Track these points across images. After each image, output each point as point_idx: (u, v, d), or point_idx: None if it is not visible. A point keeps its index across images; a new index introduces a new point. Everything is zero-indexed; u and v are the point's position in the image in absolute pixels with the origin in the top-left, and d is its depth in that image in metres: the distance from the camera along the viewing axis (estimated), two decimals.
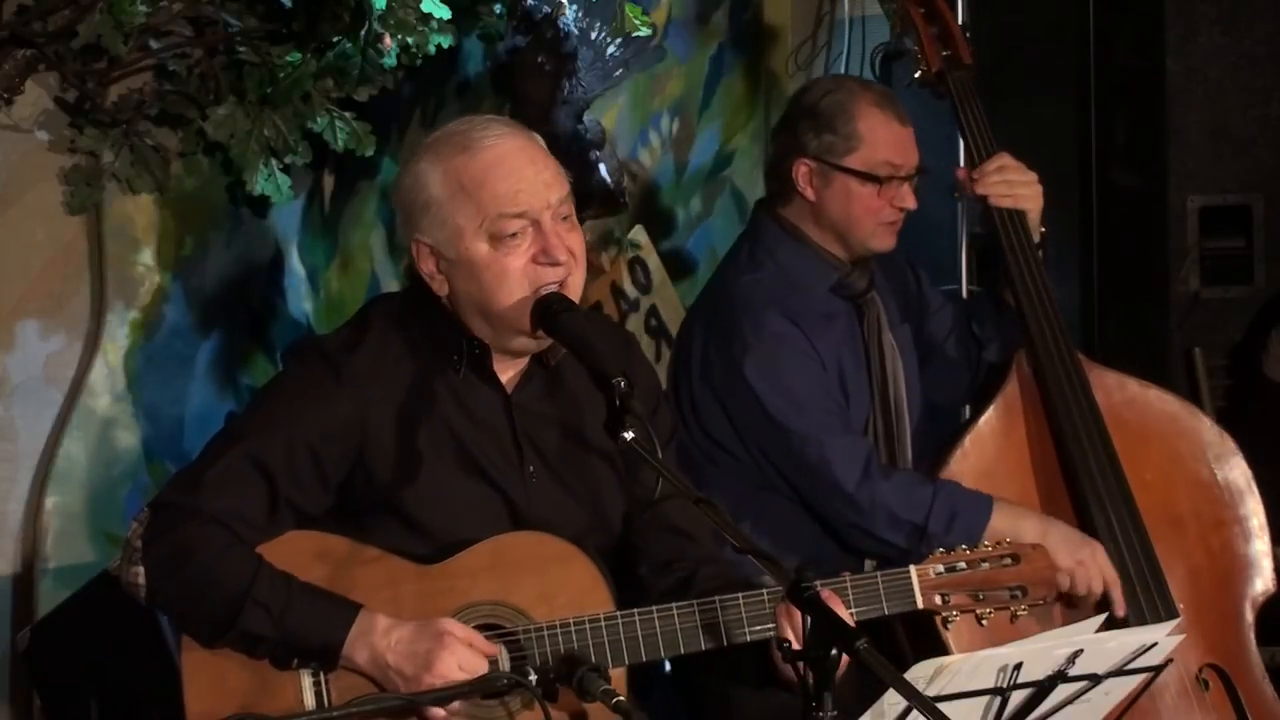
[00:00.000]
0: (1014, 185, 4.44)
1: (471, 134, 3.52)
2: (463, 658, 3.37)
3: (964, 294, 5.56)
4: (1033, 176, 4.47)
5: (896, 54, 5.67)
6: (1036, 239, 4.48)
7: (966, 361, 4.67)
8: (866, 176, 4.39)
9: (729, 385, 4.34)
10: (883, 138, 4.41)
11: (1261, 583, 4.38)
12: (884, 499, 4.24)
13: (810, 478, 4.30)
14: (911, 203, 4.46)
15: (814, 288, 4.43)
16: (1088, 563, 4.13)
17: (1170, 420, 4.42)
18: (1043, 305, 4.38)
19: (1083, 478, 4.26)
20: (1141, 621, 4.13)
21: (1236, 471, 4.41)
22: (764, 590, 3.48)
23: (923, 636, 3.95)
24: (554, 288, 3.48)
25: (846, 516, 4.27)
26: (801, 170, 4.42)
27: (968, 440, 4.32)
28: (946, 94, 4.53)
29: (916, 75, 4.61)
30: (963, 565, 3.61)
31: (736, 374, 4.32)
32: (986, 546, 3.66)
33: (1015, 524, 4.14)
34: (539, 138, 3.59)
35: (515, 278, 3.47)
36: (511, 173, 3.48)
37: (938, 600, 3.60)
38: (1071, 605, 4.15)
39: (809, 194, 4.42)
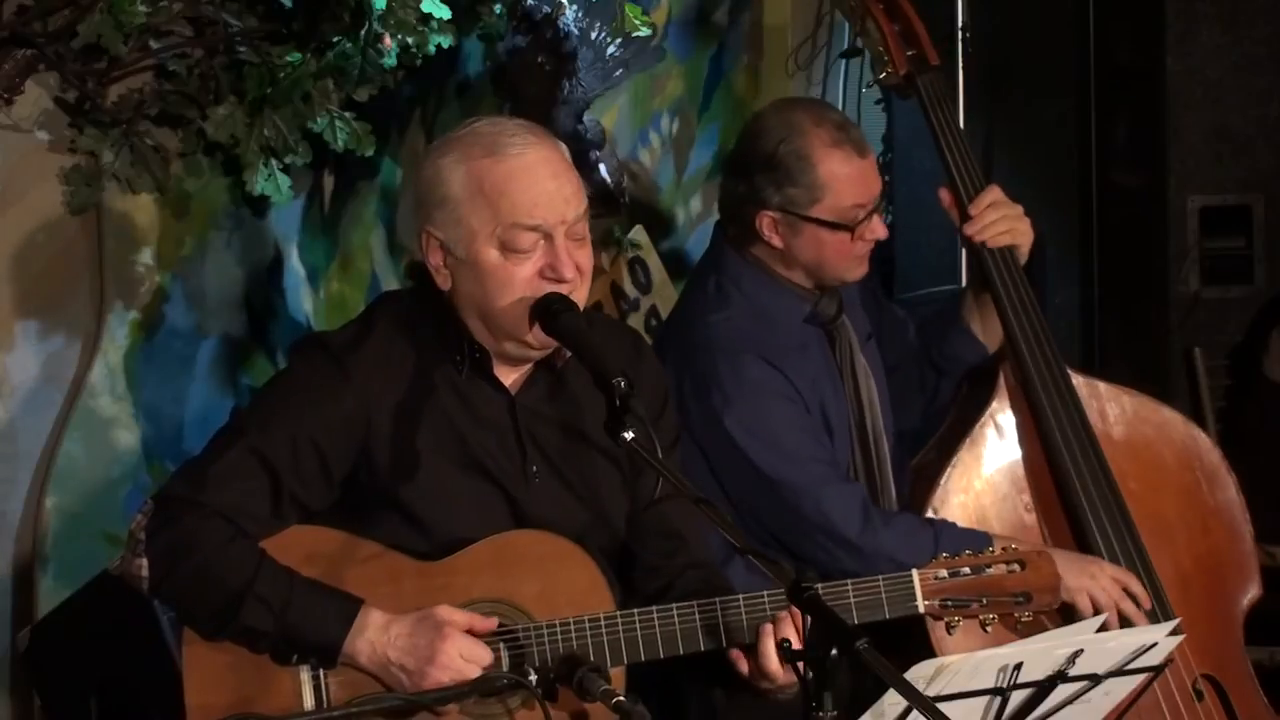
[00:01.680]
0: (1010, 220, 4.29)
1: (500, 138, 3.52)
2: (464, 647, 3.38)
3: None
4: (1020, 209, 4.31)
5: (854, 53, 5.56)
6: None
7: (921, 385, 4.53)
8: (837, 226, 4.22)
9: (710, 436, 4.20)
10: (846, 181, 4.21)
11: (1250, 588, 4.36)
12: (887, 548, 4.11)
13: (806, 530, 4.17)
14: (882, 233, 4.29)
15: (786, 320, 4.29)
16: (1099, 576, 4.09)
17: (1155, 427, 4.38)
18: (1028, 317, 4.28)
19: (1075, 489, 4.21)
20: None
21: (1222, 477, 4.38)
22: (764, 593, 3.48)
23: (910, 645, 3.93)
24: None
25: (845, 565, 4.11)
26: (766, 221, 4.24)
27: (958, 456, 4.26)
28: (915, 97, 4.35)
29: (881, 77, 4.42)
30: (966, 570, 3.59)
31: (718, 426, 4.19)
32: (991, 551, 3.64)
33: None
34: (564, 148, 3.59)
35: (520, 288, 3.48)
36: (533, 184, 3.48)
37: (940, 605, 3.58)
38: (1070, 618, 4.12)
39: (775, 242, 4.25)
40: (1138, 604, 4.13)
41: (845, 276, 4.31)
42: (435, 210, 3.52)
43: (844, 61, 5.89)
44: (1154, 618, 4.15)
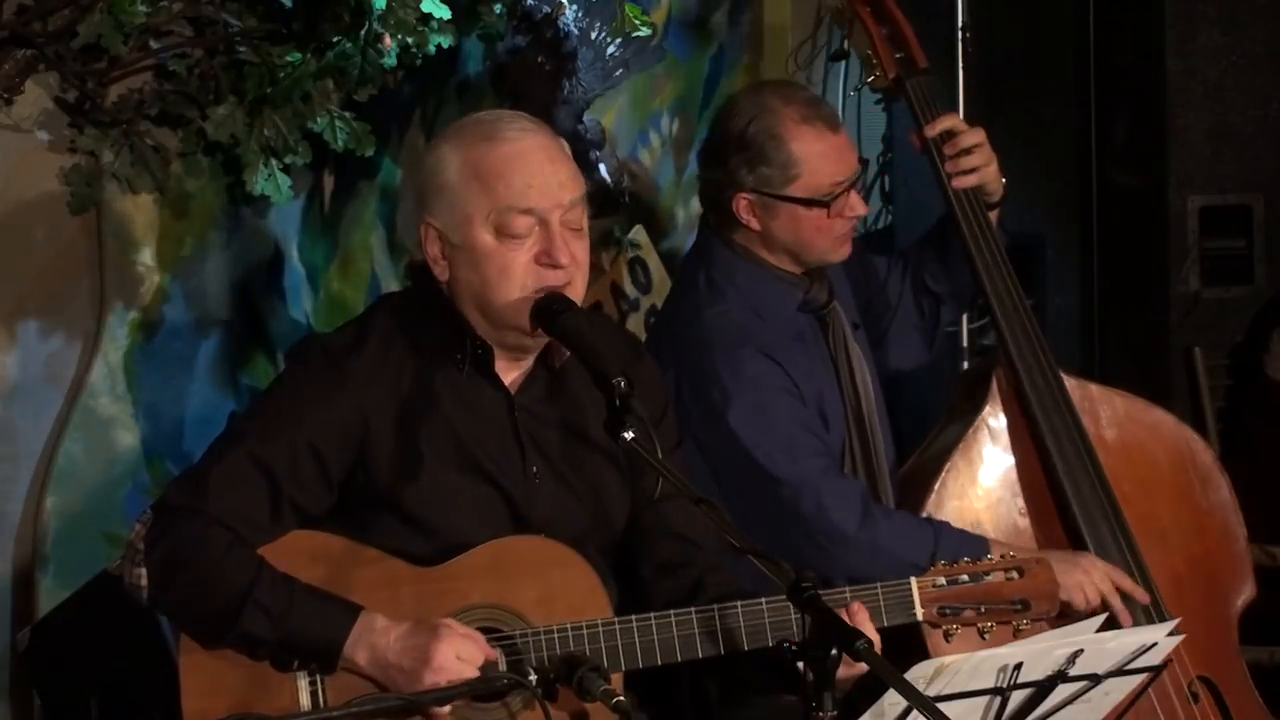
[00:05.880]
0: (981, 162, 4.30)
1: (497, 125, 3.55)
2: (460, 648, 3.37)
3: None
4: (992, 156, 4.32)
5: (842, 56, 5.52)
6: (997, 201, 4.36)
7: (920, 322, 4.53)
8: (813, 203, 4.19)
9: (711, 434, 4.15)
10: (820, 158, 4.18)
11: (1244, 589, 4.36)
12: (886, 542, 4.09)
13: (805, 526, 4.12)
14: (862, 209, 4.28)
15: (779, 310, 4.25)
16: (1091, 571, 4.09)
17: (1148, 429, 4.38)
18: (1020, 321, 4.28)
19: (1069, 492, 4.22)
20: None
21: (1215, 478, 4.38)
22: (763, 599, 3.47)
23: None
24: (554, 289, 3.48)
25: (847, 563, 4.08)
26: (742, 204, 4.21)
27: (952, 461, 4.26)
28: (904, 100, 4.33)
29: (869, 81, 4.39)
30: (965, 578, 3.59)
31: (720, 424, 4.14)
32: (989, 559, 3.64)
33: None
34: (563, 140, 3.60)
35: (517, 274, 3.48)
36: (528, 168, 3.49)
37: (938, 613, 3.58)
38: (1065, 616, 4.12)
39: (754, 225, 4.23)
40: (1132, 601, 4.13)
41: (828, 257, 4.28)
42: (434, 199, 3.53)
43: (844, 62, 5.88)
44: (1150, 618, 4.16)
